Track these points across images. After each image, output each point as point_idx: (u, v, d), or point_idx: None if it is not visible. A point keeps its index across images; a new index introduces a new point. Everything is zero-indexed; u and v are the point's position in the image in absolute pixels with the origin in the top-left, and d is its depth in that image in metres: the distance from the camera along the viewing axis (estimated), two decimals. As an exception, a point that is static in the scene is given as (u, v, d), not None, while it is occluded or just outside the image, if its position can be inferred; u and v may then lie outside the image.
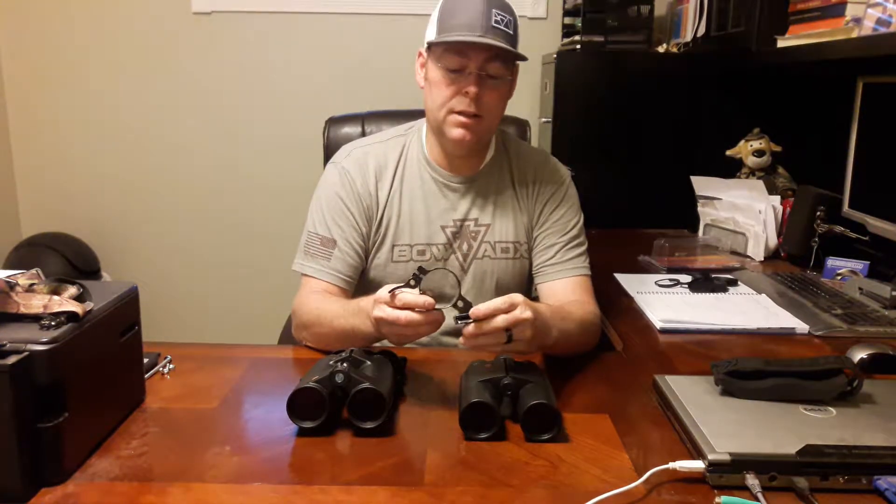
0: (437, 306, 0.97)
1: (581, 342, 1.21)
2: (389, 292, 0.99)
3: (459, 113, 1.23)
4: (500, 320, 0.96)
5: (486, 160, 1.36)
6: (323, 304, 1.23)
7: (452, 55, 1.21)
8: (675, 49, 2.40)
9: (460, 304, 0.97)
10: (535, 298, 1.34)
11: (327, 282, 1.28)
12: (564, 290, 1.31)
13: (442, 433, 0.95)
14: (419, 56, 1.30)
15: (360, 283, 1.34)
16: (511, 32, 1.21)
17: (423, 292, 0.98)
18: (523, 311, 0.98)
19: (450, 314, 0.99)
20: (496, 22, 1.18)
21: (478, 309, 0.95)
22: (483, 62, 1.20)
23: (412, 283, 0.98)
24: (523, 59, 1.24)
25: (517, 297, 0.98)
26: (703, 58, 2.24)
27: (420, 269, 0.99)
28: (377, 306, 1.01)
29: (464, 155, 1.31)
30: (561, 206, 1.36)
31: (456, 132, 1.24)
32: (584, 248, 1.36)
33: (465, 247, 1.34)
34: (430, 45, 1.25)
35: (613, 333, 1.36)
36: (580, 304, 1.25)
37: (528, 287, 1.40)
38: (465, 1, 1.20)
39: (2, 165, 2.75)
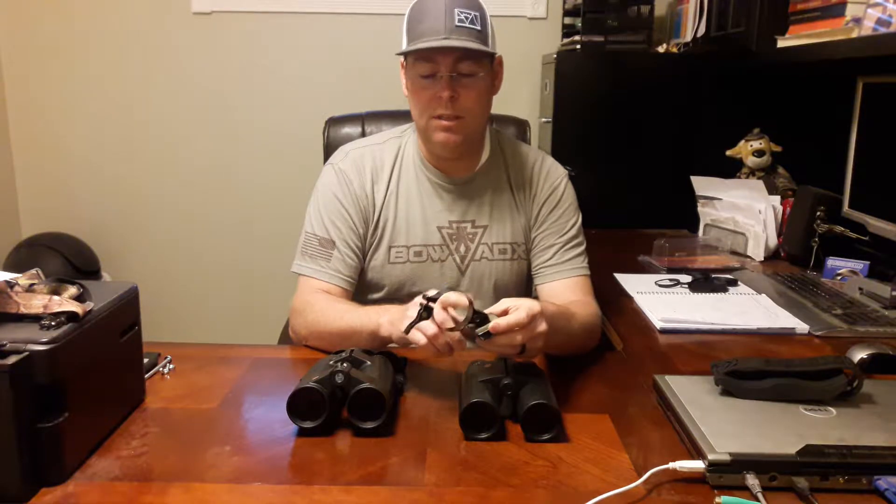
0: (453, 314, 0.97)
1: (583, 343, 1.21)
2: (405, 331, 1.00)
3: (439, 117, 1.23)
4: (519, 338, 0.97)
5: (481, 161, 1.35)
6: (332, 302, 1.24)
7: (422, 62, 1.21)
8: (675, 49, 2.40)
9: (477, 319, 0.97)
10: (536, 299, 1.34)
11: (327, 282, 1.28)
12: (564, 290, 1.30)
13: (442, 433, 0.95)
14: (401, 65, 1.29)
15: (358, 285, 1.34)
16: (478, 28, 1.20)
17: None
18: (540, 324, 0.98)
19: None
20: (460, 21, 1.18)
21: (498, 324, 0.95)
22: (452, 63, 1.20)
23: (424, 314, 0.97)
24: (491, 54, 1.24)
25: (535, 307, 0.98)
26: (703, 58, 2.23)
27: (427, 299, 0.97)
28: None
29: (454, 157, 1.31)
30: (559, 206, 1.36)
31: (439, 136, 1.24)
32: (582, 247, 1.36)
33: (462, 248, 1.34)
34: (404, 56, 1.25)
35: (613, 333, 1.36)
36: (583, 304, 1.25)
37: (526, 288, 1.40)
38: (428, 5, 1.20)
39: (2, 165, 2.75)
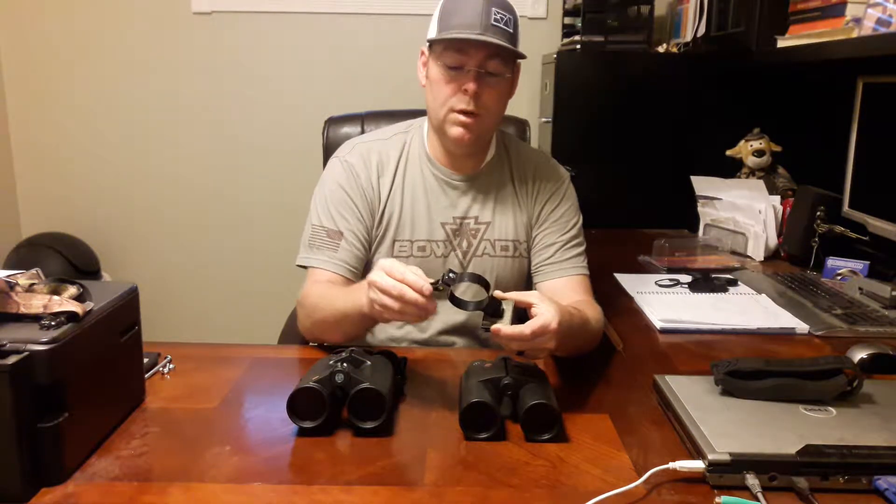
0: (466, 300, 0.97)
1: (588, 346, 1.21)
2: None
3: (459, 112, 1.23)
4: (515, 346, 0.97)
5: (486, 159, 1.36)
6: (327, 289, 1.24)
7: (452, 53, 1.22)
8: (675, 49, 2.40)
9: (490, 309, 0.97)
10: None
11: (334, 272, 1.28)
12: (565, 288, 1.31)
13: (442, 433, 0.95)
14: (421, 55, 1.30)
15: (362, 278, 1.33)
16: (511, 31, 1.22)
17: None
18: (548, 341, 0.98)
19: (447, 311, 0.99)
20: (496, 20, 1.19)
21: (499, 330, 0.95)
22: (482, 60, 1.21)
23: (440, 286, 0.98)
24: (522, 56, 1.25)
25: (552, 324, 0.96)
26: (703, 58, 2.23)
27: (450, 273, 0.98)
28: (376, 271, 1.00)
29: (464, 153, 1.32)
30: (560, 205, 1.36)
31: (455, 131, 1.25)
32: (582, 248, 1.37)
33: (464, 244, 1.35)
34: (431, 43, 1.26)
35: (613, 333, 1.36)
36: (590, 306, 1.25)
37: (527, 286, 1.40)
38: None
39: (2, 165, 2.75)
